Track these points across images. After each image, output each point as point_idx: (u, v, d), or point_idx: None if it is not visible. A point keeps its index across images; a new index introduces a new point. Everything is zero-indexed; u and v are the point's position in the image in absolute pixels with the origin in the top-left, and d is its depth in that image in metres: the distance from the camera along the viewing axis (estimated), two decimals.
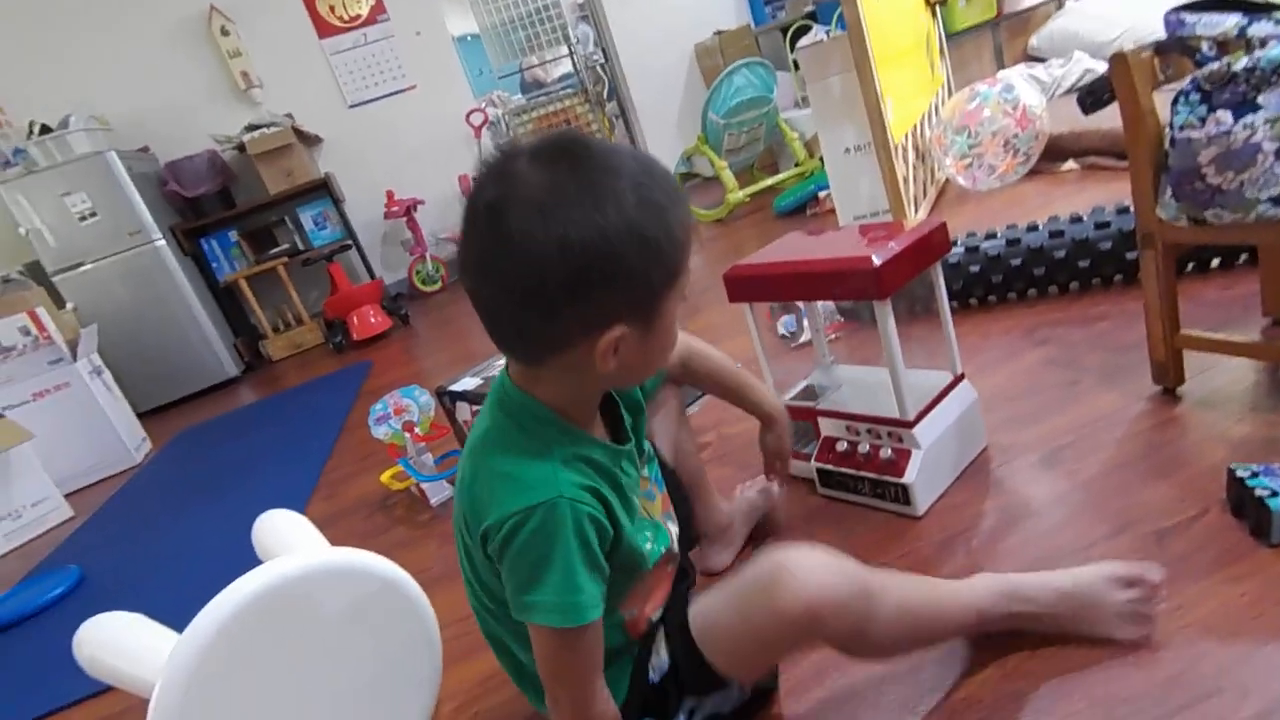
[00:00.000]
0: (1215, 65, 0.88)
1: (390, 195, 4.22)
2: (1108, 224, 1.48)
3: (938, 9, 3.04)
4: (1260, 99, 0.84)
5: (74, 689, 1.29)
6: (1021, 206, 2.21)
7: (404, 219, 4.25)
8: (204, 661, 0.74)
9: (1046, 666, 0.74)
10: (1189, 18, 0.95)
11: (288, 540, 1.04)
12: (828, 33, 3.15)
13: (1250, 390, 1.06)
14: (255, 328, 4.03)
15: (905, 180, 2.28)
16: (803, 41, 3.21)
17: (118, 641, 0.93)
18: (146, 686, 0.80)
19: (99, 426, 2.68)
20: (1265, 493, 0.79)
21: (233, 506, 2.01)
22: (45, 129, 3.48)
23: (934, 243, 1.01)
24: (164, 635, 0.93)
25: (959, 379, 1.10)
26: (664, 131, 4.83)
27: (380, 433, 1.53)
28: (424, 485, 1.56)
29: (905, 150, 2.35)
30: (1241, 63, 0.85)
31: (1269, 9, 0.95)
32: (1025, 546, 0.91)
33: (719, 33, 4.57)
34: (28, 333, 2.56)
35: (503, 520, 0.60)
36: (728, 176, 3.46)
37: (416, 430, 1.55)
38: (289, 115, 3.98)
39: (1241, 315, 1.23)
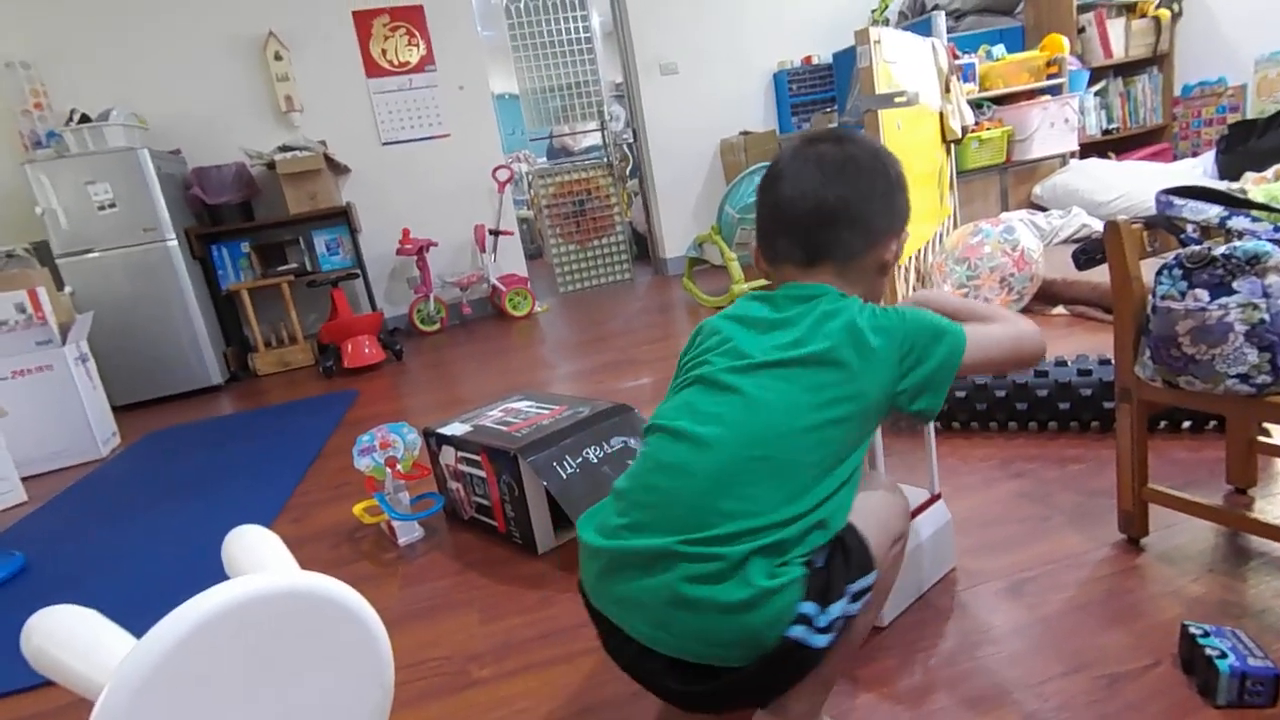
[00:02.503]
0: (1198, 247, 0.96)
1: (406, 233, 4.31)
2: (1090, 371, 1.55)
3: (953, 147, 3.25)
4: (1235, 284, 0.92)
5: (7, 679, 1.24)
6: None
7: (415, 258, 4.33)
8: (158, 670, 0.74)
9: None
10: (1178, 201, 1.04)
11: (258, 557, 1.03)
12: None
13: (1209, 551, 1.10)
14: (248, 340, 4.03)
15: (902, 299, 2.38)
16: None
17: (70, 637, 0.91)
18: (93, 688, 0.79)
19: (72, 414, 2.64)
20: (1215, 653, 0.82)
21: (193, 515, 1.98)
22: (85, 118, 3.57)
23: None
24: (119, 637, 0.91)
25: (935, 498, 1.14)
26: (680, 215, 5.02)
27: (363, 464, 1.53)
28: (395, 524, 1.55)
29: (908, 271, 2.47)
30: (1221, 249, 0.93)
31: (1247, 205, 1.05)
32: (980, 674, 0.93)
33: (745, 133, 4.81)
34: (23, 310, 2.56)
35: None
36: (735, 268, 3.58)
37: (399, 467, 1.56)
38: (323, 142, 4.11)
39: (1207, 478, 1.29)
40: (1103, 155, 4.00)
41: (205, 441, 2.78)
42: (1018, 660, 0.94)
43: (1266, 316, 0.90)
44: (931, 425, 1.14)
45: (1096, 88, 4.16)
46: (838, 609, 0.67)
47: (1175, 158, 4.10)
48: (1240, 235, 0.97)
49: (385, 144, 4.42)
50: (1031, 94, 3.63)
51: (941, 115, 2.84)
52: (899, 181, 0.88)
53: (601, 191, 5.20)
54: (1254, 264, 0.91)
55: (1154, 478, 1.12)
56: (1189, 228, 1.04)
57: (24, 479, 2.42)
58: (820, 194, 0.83)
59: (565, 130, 7.29)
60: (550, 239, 5.22)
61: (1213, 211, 1.00)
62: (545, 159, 7.54)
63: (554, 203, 5.14)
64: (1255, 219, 0.97)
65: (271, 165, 3.91)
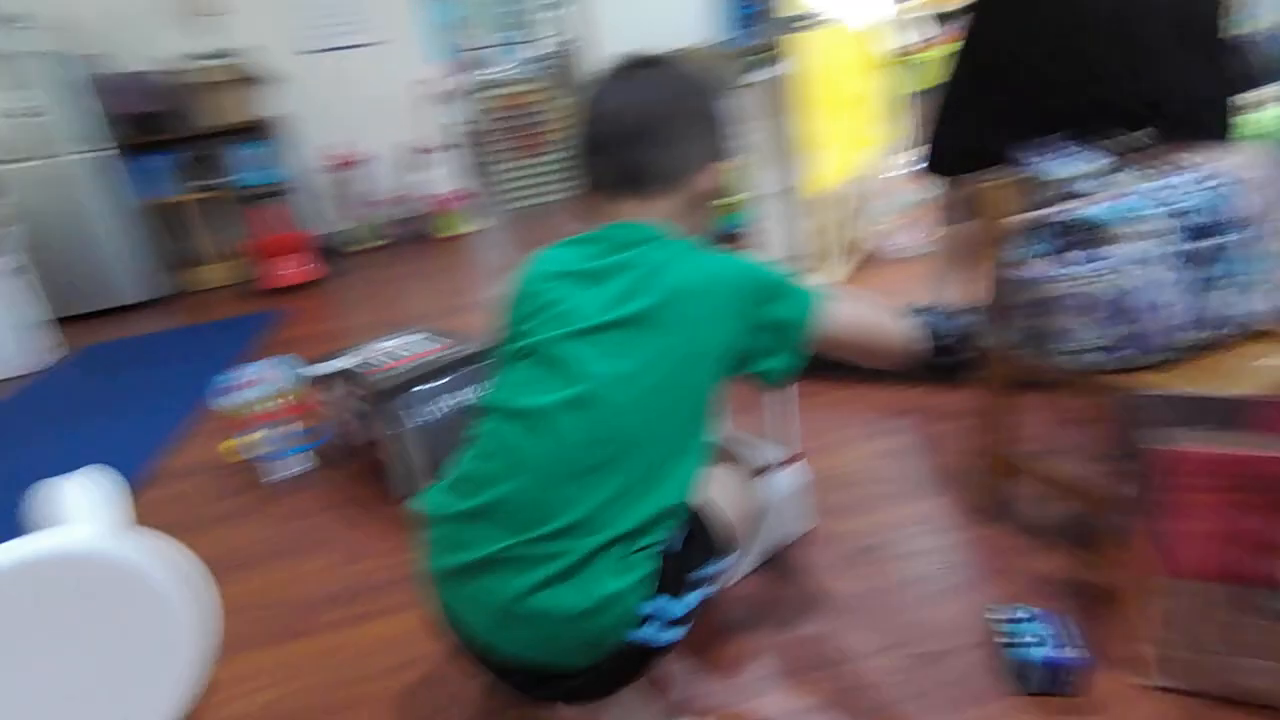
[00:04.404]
0: (1046, 211, 0.88)
1: (336, 149, 4.08)
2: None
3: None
4: (1082, 253, 0.84)
5: None
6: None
7: (346, 174, 4.11)
8: None
9: None
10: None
11: (58, 514, 0.98)
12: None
13: (1064, 523, 1.06)
14: (181, 254, 3.87)
15: (823, 231, 2.28)
16: (761, 74, 3.17)
17: None
18: None
19: (4, 327, 2.63)
20: (1032, 639, 0.80)
21: (99, 435, 1.95)
22: None
23: None
24: None
25: (797, 457, 1.10)
26: None
27: (234, 400, 1.46)
28: (270, 461, 1.49)
29: (830, 205, 2.34)
30: (1067, 214, 0.85)
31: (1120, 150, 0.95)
32: (803, 644, 0.91)
33: (685, 48, 4.53)
34: None
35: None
36: None
37: (281, 402, 1.49)
38: (243, 50, 3.81)
39: (1085, 441, 1.26)
40: None
41: (129, 359, 2.74)
42: (835, 635, 0.92)
43: (1109, 290, 0.82)
44: (794, 389, 1.08)
45: None
46: (696, 597, 0.65)
47: None
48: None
49: (311, 52, 4.10)
50: None
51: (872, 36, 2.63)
52: (716, 105, 0.80)
53: (539, 107, 4.94)
54: (1096, 232, 0.83)
55: (1034, 437, 1.07)
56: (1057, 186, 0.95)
57: None
58: (637, 109, 0.76)
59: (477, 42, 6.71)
60: (489, 155, 4.99)
61: (1070, 170, 0.91)
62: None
63: (492, 118, 4.88)
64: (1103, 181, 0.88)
65: (195, 74, 3.65)
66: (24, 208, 3.26)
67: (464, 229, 4.30)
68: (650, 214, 0.76)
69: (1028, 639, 0.80)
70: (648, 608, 0.63)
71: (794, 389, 1.09)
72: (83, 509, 1.01)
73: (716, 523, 0.69)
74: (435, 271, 3.49)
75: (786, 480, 1.08)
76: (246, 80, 3.76)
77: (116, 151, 3.58)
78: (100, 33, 3.75)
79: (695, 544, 0.67)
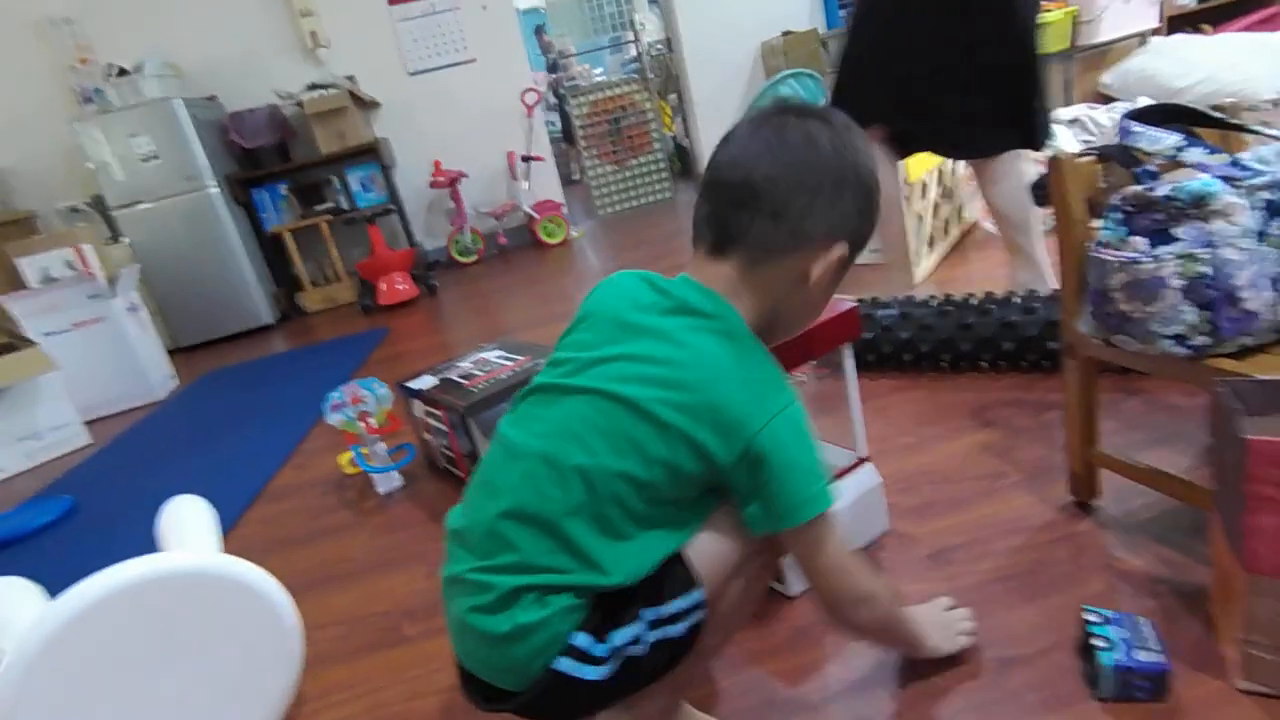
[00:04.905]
0: (1140, 187, 0.83)
1: (437, 165, 4.31)
2: (1034, 310, 1.43)
3: None
4: (1176, 231, 0.79)
5: None
6: None
7: (448, 190, 4.34)
8: (56, 642, 0.81)
9: None
10: (1136, 127, 0.89)
11: (182, 532, 1.11)
12: None
13: (1161, 519, 1.00)
14: (295, 279, 4.21)
15: (921, 218, 2.21)
16: None
17: None
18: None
19: (127, 360, 2.86)
20: (1103, 644, 0.76)
21: (220, 457, 2.14)
22: (122, 71, 3.69)
23: (839, 326, 0.98)
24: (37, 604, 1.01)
25: (861, 461, 1.08)
26: (721, 127, 4.70)
27: (335, 420, 1.60)
28: (373, 475, 1.62)
29: (928, 187, 2.27)
30: (1163, 189, 0.80)
31: (1222, 126, 0.89)
32: (866, 653, 0.90)
33: (787, 33, 4.46)
34: (72, 267, 2.75)
35: (771, 414, 0.65)
36: None
37: (371, 421, 1.61)
38: (350, 78, 4.10)
39: (1194, 429, 1.17)
40: (1195, 29, 3.48)
41: (249, 382, 2.97)
42: None
43: (1209, 270, 0.77)
44: (855, 388, 1.06)
45: None
46: (622, 636, 0.63)
47: None
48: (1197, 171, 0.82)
49: (412, 74, 4.36)
50: None
51: None
52: (859, 183, 0.70)
53: (638, 107, 4.99)
54: (1199, 206, 0.78)
55: (1130, 426, 1.01)
56: (1150, 161, 0.89)
57: (89, 422, 2.67)
58: (752, 166, 0.68)
59: (569, 49, 6.87)
60: (586, 160, 5.10)
61: (1169, 141, 0.85)
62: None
63: (588, 123, 4.98)
64: (1214, 150, 0.82)
65: (301, 105, 3.95)
66: (148, 245, 3.62)
67: (562, 236, 4.44)
68: (729, 283, 0.70)
69: (1101, 643, 0.76)
70: (575, 639, 0.62)
71: (854, 390, 1.07)
72: (193, 530, 1.14)
73: (675, 563, 0.66)
74: (536, 280, 3.61)
75: (853, 484, 1.07)
76: (358, 105, 4.02)
77: (235, 185, 3.92)
78: (219, 74, 4.12)
79: (636, 587, 0.64)
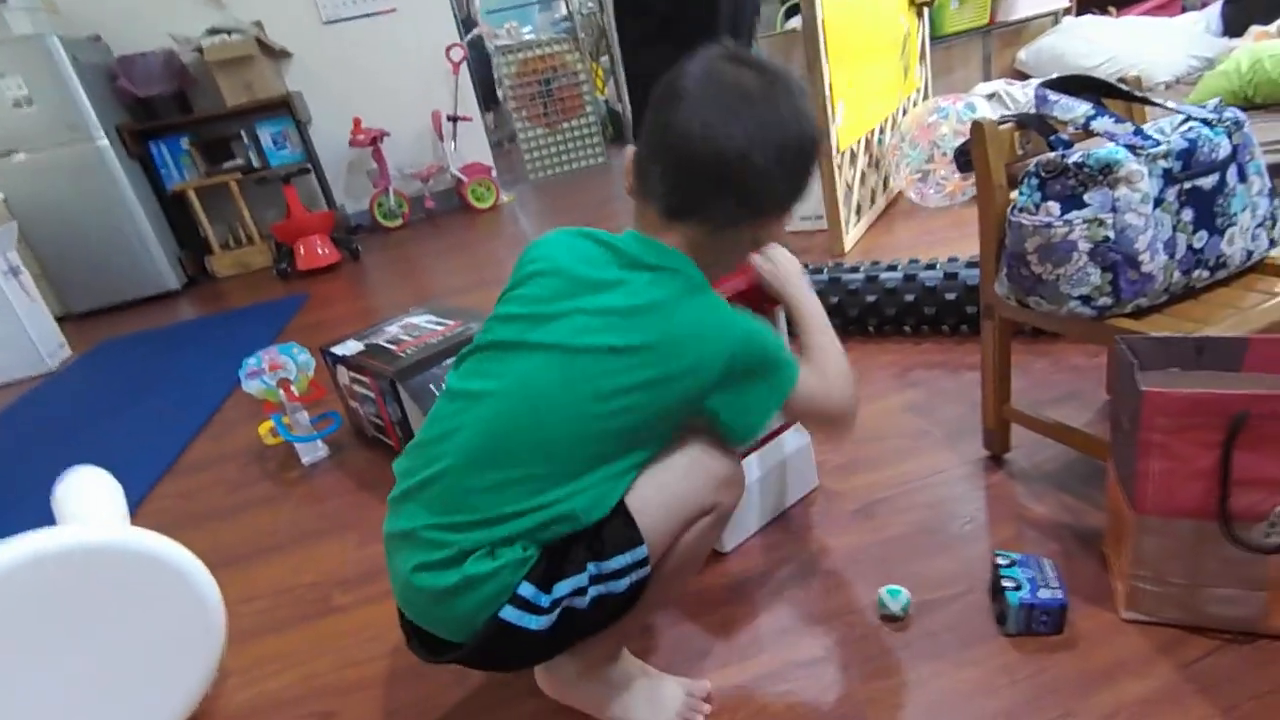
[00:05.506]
0: (1053, 154, 0.87)
1: (357, 122, 4.09)
2: (955, 275, 1.51)
3: (925, 10, 2.96)
4: (1086, 196, 0.84)
5: None
6: (962, 229, 2.19)
7: (370, 149, 4.14)
8: None
9: None
10: (1052, 96, 0.93)
11: (81, 509, 1.04)
12: None
13: (1064, 469, 1.08)
14: (203, 241, 3.95)
15: (850, 187, 2.26)
16: (790, 23, 3.11)
17: None
18: None
19: (9, 327, 2.63)
20: (1010, 584, 0.82)
21: (121, 431, 2.01)
22: None
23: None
24: None
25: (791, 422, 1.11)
26: None
27: (252, 387, 1.52)
28: (296, 445, 1.56)
29: (856, 156, 2.32)
30: (1074, 156, 0.84)
31: (1128, 98, 0.94)
32: (801, 602, 0.94)
33: None
34: None
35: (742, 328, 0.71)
36: None
37: (292, 389, 1.54)
38: (257, 23, 3.82)
39: (1093, 387, 1.25)
40: (1102, 10, 3.65)
41: (154, 350, 2.79)
42: (840, 589, 0.95)
43: (1111, 234, 0.82)
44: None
45: None
46: (565, 587, 0.63)
47: (1184, 9, 3.73)
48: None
49: (327, 23, 4.11)
50: None
51: None
52: (812, 154, 0.73)
53: (569, 68, 4.87)
54: (1106, 173, 0.82)
55: (1035, 386, 1.08)
56: (1063, 129, 0.94)
57: None
58: (724, 143, 0.66)
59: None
60: (516, 122, 4.96)
61: (1081, 109, 0.89)
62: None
63: (517, 83, 4.83)
64: (1120, 120, 0.86)
65: (201, 51, 3.66)
66: (30, 202, 3.30)
67: (492, 201, 4.32)
68: (680, 241, 0.71)
69: (1009, 583, 0.82)
70: (521, 589, 0.63)
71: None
72: (88, 504, 1.07)
73: (622, 520, 0.67)
74: (466, 245, 3.51)
75: (784, 443, 1.10)
76: (266, 54, 3.73)
77: (128, 137, 3.59)
78: (102, 11, 3.74)
79: (582, 540, 0.65)
